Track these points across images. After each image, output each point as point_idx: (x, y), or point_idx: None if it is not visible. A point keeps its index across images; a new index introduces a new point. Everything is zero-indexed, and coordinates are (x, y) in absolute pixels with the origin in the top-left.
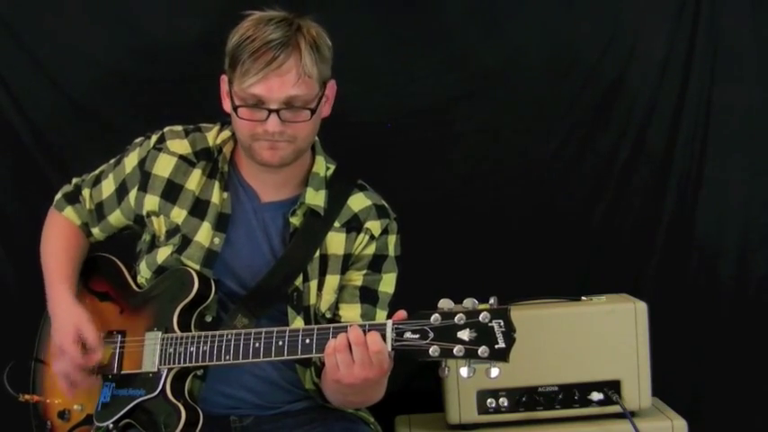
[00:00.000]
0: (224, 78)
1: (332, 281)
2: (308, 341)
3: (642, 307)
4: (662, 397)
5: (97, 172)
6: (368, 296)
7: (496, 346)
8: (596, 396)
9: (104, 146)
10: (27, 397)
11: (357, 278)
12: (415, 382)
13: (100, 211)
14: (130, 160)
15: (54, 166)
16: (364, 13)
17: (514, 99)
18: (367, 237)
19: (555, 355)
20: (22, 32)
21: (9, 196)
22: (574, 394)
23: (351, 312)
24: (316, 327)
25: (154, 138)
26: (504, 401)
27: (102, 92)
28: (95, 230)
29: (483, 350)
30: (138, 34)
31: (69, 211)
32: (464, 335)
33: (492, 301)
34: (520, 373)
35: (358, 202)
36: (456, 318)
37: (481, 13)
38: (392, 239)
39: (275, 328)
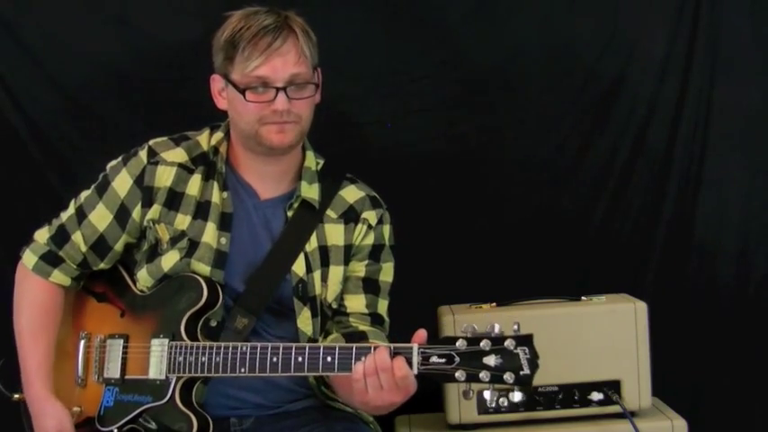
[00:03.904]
0: (215, 78)
1: (336, 272)
2: (329, 359)
3: (642, 307)
4: (662, 397)
5: (73, 211)
6: (370, 287)
7: (521, 373)
8: (596, 396)
9: (104, 145)
10: (20, 396)
11: (360, 269)
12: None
13: (102, 246)
14: (121, 183)
15: (54, 166)
16: (364, 12)
17: (514, 99)
18: (365, 227)
19: (555, 355)
20: (22, 32)
21: (9, 196)
22: (574, 394)
23: (355, 302)
24: (337, 345)
25: (142, 154)
26: (503, 401)
27: (102, 92)
28: (101, 266)
29: (508, 376)
30: (138, 34)
31: (57, 276)
32: (490, 360)
33: (515, 326)
34: None
35: (351, 193)
36: (482, 343)
37: (481, 12)
38: (387, 229)
39: (293, 344)
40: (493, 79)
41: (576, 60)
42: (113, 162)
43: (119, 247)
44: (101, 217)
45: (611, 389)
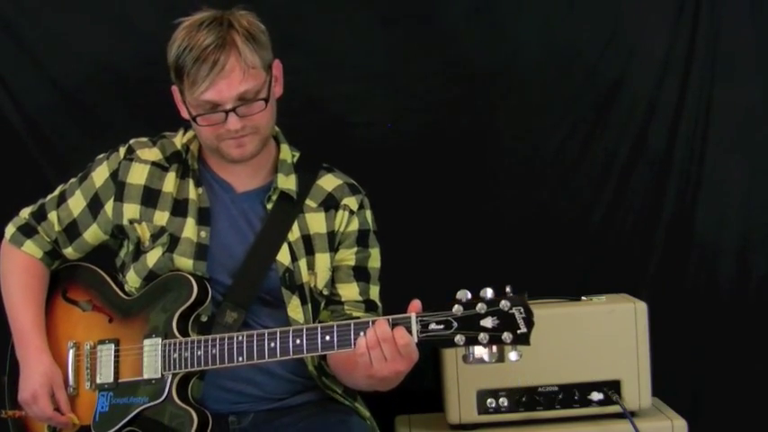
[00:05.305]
0: (175, 89)
1: (322, 259)
2: (328, 338)
3: (642, 307)
4: (662, 397)
5: (57, 193)
6: (361, 274)
7: (519, 332)
8: (596, 396)
9: (104, 145)
10: (10, 413)
11: (349, 258)
12: (415, 382)
13: (73, 230)
14: (100, 174)
15: (54, 166)
16: (364, 12)
17: (514, 99)
18: (347, 213)
19: (555, 355)
20: (22, 32)
21: (8, 196)
22: (574, 394)
23: (349, 291)
24: (335, 323)
25: (122, 150)
26: (504, 401)
27: (102, 92)
28: (68, 250)
29: (506, 336)
30: (138, 34)
31: (29, 246)
32: (487, 322)
33: (508, 289)
34: (520, 374)
35: (329, 182)
36: (477, 307)
37: (481, 13)
38: (369, 214)
39: (290, 327)
40: (493, 79)
41: (575, 60)
42: (101, 155)
43: (89, 237)
44: (76, 203)
45: (611, 389)
